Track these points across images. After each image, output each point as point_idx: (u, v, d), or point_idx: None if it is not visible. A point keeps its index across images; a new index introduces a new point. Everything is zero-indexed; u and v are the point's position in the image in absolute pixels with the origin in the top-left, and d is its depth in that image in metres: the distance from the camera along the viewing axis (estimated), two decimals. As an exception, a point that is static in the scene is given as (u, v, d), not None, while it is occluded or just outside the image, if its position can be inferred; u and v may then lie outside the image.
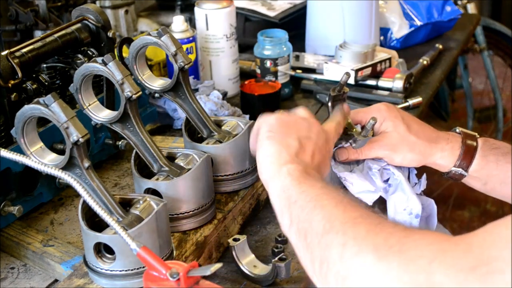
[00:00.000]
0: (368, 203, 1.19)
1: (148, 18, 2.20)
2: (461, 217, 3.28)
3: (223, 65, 1.81)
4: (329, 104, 1.24)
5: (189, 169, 1.17)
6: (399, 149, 1.21)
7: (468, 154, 1.21)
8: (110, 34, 1.39)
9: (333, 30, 1.94)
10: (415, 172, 1.26)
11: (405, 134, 1.21)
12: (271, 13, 2.12)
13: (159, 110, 1.62)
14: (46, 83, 1.31)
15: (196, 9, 1.80)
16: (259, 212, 1.35)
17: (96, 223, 1.08)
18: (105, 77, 1.24)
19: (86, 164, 1.06)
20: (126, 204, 1.11)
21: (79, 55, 1.36)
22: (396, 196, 1.21)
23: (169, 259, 1.09)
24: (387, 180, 1.23)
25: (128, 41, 1.34)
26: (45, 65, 1.34)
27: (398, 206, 1.21)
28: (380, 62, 1.83)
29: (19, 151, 1.06)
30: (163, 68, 1.81)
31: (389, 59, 1.85)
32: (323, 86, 1.83)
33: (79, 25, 1.39)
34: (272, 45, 1.80)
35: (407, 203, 1.20)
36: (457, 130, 1.26)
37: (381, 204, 1.22)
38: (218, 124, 1.33)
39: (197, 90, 1.71)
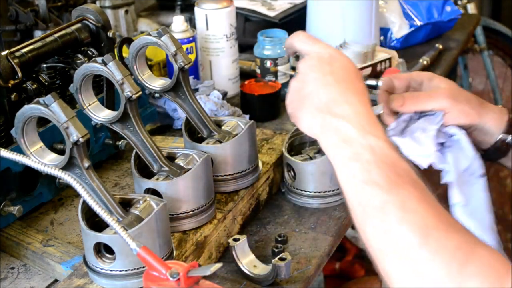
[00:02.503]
0: (422, 166, 1.13)
1: (148, 18, 2.20)
2: (461, 217, 3.27)
3: (223, 65, 1.81)
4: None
5: (189, 169, 1.17)
6: (458, 99, 1.15)
7: None
8: (110, 34, 1.39)
9: (333, 30, 1.94)
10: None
11: (459, 89, 1.17)
12: (271, 13, 2.12)
13: (159, 110, 1.62)
14: (46, 83, 1.31)
15: (196, 9, 1.80)
16: (259, 212, 1.35)
17: (96, 223, 1.08)
18: (105, 77, 1.24)
19: (86, 164, 1.06)
20: (126, 204, 1.11)
21: (79, 55, 1.36)
22: (458, 156, 1.16)
23: (169, 259, 1.09)
24: (443, 143, 1.18)
25: (128, 41, 1.34)
26: (45, 65, 1.34)
27: (461, 166, 1.15)
28: (380, 62, 1.83)
29: (19, 151, 1.06)
30: (163, 68, 1.80)
31: (389, 59, 1.85)
32: (323, 86, 1.83)
33: (79, 25, 1.39)
34: (272, 45, 1.80)
35: (469, 163, 1.15)
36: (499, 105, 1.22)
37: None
38: (218, 124, 1.33)
39: (197, 90, 1.71)
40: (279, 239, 1.25)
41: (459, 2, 2.98)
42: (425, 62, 1.97)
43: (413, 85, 1.22)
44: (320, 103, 1.00)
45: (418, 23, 2.13)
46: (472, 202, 1.15)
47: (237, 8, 1.95)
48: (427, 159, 1.14)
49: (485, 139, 1.19)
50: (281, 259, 1.11)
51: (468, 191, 1.15)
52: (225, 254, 1.23)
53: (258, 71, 1.82)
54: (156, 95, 1.31)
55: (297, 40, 1.10)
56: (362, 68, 1.80)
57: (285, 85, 1.83)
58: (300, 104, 1.03)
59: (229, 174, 1.28)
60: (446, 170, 1.16)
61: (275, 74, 1.80)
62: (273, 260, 1.11)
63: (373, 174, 0.91)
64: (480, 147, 1.21)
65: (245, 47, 2.06)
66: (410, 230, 0.86)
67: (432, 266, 0.84)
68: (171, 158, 1.23)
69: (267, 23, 2.08)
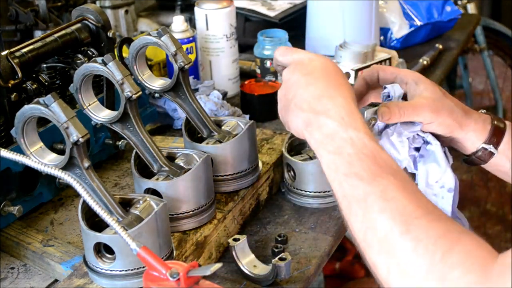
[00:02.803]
0: None
1: (148, 18, 2.20)
2: (461, 217, 3.28)
3: (223, 65, 1.81)
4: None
5: (189, 169, 1.17)
6: (440, 112, 1.14)
7: (498, 131, 1.17)
8: (110, 34, 1.39)
9: (333, 30, 1.94)
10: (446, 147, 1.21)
11: (443, 98, 1.16)
12: (271, 13, 2.12)
13: (159, 110, 1.62)
14: (46, 83, 1.31)
15: (196, 9, 1.80)
16: (259, 212, 1.35)
17: (96, 223, 1.08)
18: (105, 77, 1.24)
19: (86, 164, 1.06)
20: (126, 204, 1.11)
21: (79, 55, 1.36)
22: (429, 167, 1.16)
23: (169, 259, 1.09)
24: (418, 148, 1.18)
25: (128, 41, 1.34)
26: (45, 65, 1.34)
27: (431, 178, 1.16)
28: (380, 62, 1.83)
29: (19, 151, 1.06)
30: (163, 68, 1.81)
31: (389, 59, 1.85)
32: (323, 86, 1.83)
33: (79, 25, 1.39)
34: (272, 45, 1.80)
35: (441, 175, 1.15)
36: (483, 111, 1.21)
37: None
38: (218, 124, 1.33)
39: (197, 90, 1.71)
40: (279, 239, 1.25)
41: (459, 2, 2.98)
42: (425, 62, 1.97)
43: (397, 81, 1.21)
44: (302, 103, 1.02)
45: (418, 23, 2.13)
46: None
47: (237, 8, 1.95)
48: (400, 163, 1.15)
49: (467, 147, 1.19)
50: (281, 259, 1.11)
51: (435, 203, 1.17)
52: (225, 254, 1.23)
53: (258, 71, 1.83)
54: (156, 95, 1.31)
55: (278, 54, 1.12)
56: (362, 68, 1.80)
57: (285, 85, 1.83)
58: (286, 109, 1.06)
59: (229, 174, 1.28)
60: (417, 178, 1.18)
61: (275, 74, 1.80)
62: (273, 260, 1.11)
63: (354, 166, 0.93)
64: (461, 152, 1.21)
65: (245, 47, 2.06)
66: (391, 218, 0.88)
67: (414, 255, 0.84)
68: (171, 158, 1.23)
69: (267, 23, 2.08)
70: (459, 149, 1.21)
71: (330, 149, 0.97)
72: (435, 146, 1.17)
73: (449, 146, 1.22)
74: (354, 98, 1.04)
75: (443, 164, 1.16)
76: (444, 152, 1.19)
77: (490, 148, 1.17)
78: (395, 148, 1.17)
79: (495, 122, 1.18)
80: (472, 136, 1.17)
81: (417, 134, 1.18)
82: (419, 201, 0.90)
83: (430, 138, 1.17)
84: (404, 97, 1.20)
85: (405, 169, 1.17)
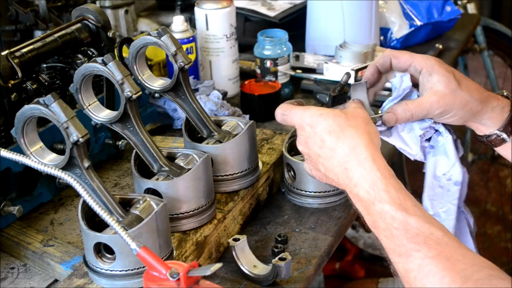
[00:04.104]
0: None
1: (148, 18, 2.20)
2: (461, 217, 3.28)
3: (223, 65, 1.81)
4: (329, 104, 1.25)
5: (189, 169, 1.17)
6: (451, 108, 1.13)
7: None
8: (110, 34, 1.39)
9: (333, 30, 1.94)
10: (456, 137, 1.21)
11: (457, 90, 1.13)
12: (271, 13, 2.12)
13: (159, 110, 1.62)
14: (46, 83, 1.31)
15: (196, 9, 1.80)
16: (259, 212, 1.35)
17: (96, 223, 1.08)
18: (105, 77, 1.24)
19: (86, 164, 1.06)
20: (126, 204, 1.11)
21: (79, 55, 1.36)
22: (438, 159, 1.17)
23: (169, 259, 1.09)
24: (429, 139, 1.18)
25: (128, 41, 1.34)
26: (45, 65, 1.34)
27: (439, 170, 1.17)
28: (380, 62, 1.83)
29: (19, 151, 1.06)
30: (163, 68, 1.80)
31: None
32: (323, 86, 1.83)
33: (79, 25, 1.39)
34: (272, 45, 1.80)
35: (449, 168, 1.16)
36: (505, 93, 1.20)
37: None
38: (218, 124, 1.33)
39: (197, 90, 1.71)
40: (279, 239, 1.25)
41: (459, 2, 2.98)
42: (425, 62, 1.97)
43: (411, 70, 1.19)
44: (332, 177, 1.08)
45: (418, 23, 2.13)
46: (441, 212, 1.18)
47: (237, 8, 1.95)
48: (411, 156, 1.17)
49: (481, 130, 1.19)
50: (281, 259, 1.11)
51: (441, 196, 1.17)
52: (225, 254, 1.23)
53: (258, 71, 1.82)
54: (156, 95, 1.31)
55: (279, 120, 1.16)
56: (362, 68, 1.80)
57: (285, 85, 1.83)
58: (325, 179, 1.12)
59: (229, 174, 1.28)
60: (425, 169, 1.19)
61: (275, 74, 1.80)
62: (273, 260, 1.11)
63: (390, 241, 1.00)
64: (474, 133, 1.22)
65: (245, 47, 2.06)
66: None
67: None
68: (171, 158, 1.23)
69: (267, 23, 2.08)
70: (473, 129, 1.20)
71: (370, 222, 1.03)
72: (446, 139, 1.16)
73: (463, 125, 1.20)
74: (375, 144, 1.07)
75: (452, 157, 1.15)
76: (455, 143, 1.18)
77: (503, 135, 1.17)
78: (406, 144, 1.16)
79: None
80: (487, 122, 1.17)
81: (430, 126, 1.17)
82: (455, 266, 0.93)
83: (442, 129, 1.16)
84: (416, 86, 1.18)
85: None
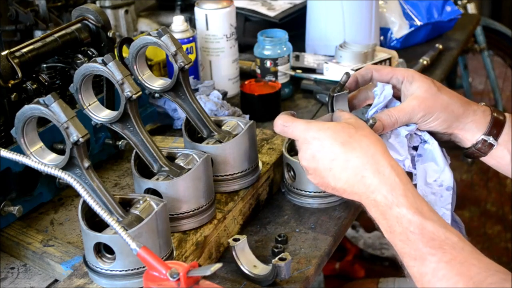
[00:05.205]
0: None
1: (148, 18, 2.20)
2: (461, 217, 3.27)
3: (223, 65, 1.81)
4: (329, 104, 1.25)
5: (189, 169, 1.17)
6: (433, 110, 1.16)
7: (497, 122, 1.18)
8: (110, 34, 1.39)
9: (333, 30, 1.94)
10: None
11: (437, 94, 1.17)
12: (271, 13, 2.12)
13: (159, 110, 1.62)
14: (46, 83, 1.31)
15: (196, 9, 1.80)
16: (259, 212, 1.35)
17: (96, 223, 1.08)
18: (105, 77, 1.24)
19: (86, 164, 1.06)
20: (126, 204, 1.11)
21: (79, 55, 1.36)
22: (428, 166, 1.18)
23: (169, 259, 1.09)
24: (416, 147, 1.19)
25: (128, 41, 1.34)
26: (45, 65, 1.34)
27: (429, 177, 1.17)
28: (380, 62, 1.83)
29: (19, 151, 1.06)
30: (163, 68, 1.81)
31: (389, 59, 1.85)
32: (323, 86, 1.83)
33: (79, 25, 1.39)
34: (272, 45, 1.80)
35: (439, 174, 1.17)
36: (482, 104, 1.22)
37: None
38: (218, 124, 1.33)
39: (197, 90, 1.71)
40: (279, 239, 1.25)
41: (459, 2, 2.98)
42: (425, 62, 1.97)
43: (393, 81, 1.22)
44: (349, 187, 1.08)
45: (418, 23, 2.13)
46: None
47: (237, 8, 1.95)
48: (401, 163, 1.17)
49: (467, 138, 1.20)
50: (281, 259, 1.11)
51: (435, 203, 1.17)
52: (225, 254, 1.23)
53: (258, 71, 1.83)
54: (156, 95, 1.31)
55: (277, 130, 1.16)
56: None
57: (285, 85, 1.83)
58: (332, 191, 1.13)
59: (229, 174, 1.28)
60: (416, 178, 1.19)
61: (275, 74, 1.80)
62: (273, 260, 1.11)
63: (406, 245, 1.01)
64: (461, 146, 1.22)
65: (245, 47, 2.06)
66: None
67: None
68: (171, 158, 1.23)
69: (267, 23, 2.08)
70: (460, 143, 1.21)
71: (385, 227, 1.03)
72: (433, 145, 1.17)
73: (450, 141, 1.22)
74: (387, 151, 1.08)
75: (441, 163, 1.16)
76: (442, 152, 1.19)
77: (490, 139, 1.18)
78: (395, 149, 1.17)
79: (495, 114, 1.18)
80: (472, 126, 1.18)
81: (415, 133, 1.18)
82: (469, 271, 0.94)
83: (427, 137, 1.18)
84: (399, 98, 1.21)
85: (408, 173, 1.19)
